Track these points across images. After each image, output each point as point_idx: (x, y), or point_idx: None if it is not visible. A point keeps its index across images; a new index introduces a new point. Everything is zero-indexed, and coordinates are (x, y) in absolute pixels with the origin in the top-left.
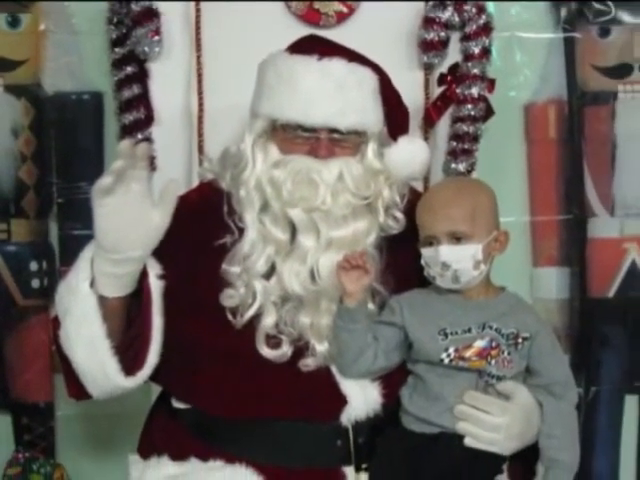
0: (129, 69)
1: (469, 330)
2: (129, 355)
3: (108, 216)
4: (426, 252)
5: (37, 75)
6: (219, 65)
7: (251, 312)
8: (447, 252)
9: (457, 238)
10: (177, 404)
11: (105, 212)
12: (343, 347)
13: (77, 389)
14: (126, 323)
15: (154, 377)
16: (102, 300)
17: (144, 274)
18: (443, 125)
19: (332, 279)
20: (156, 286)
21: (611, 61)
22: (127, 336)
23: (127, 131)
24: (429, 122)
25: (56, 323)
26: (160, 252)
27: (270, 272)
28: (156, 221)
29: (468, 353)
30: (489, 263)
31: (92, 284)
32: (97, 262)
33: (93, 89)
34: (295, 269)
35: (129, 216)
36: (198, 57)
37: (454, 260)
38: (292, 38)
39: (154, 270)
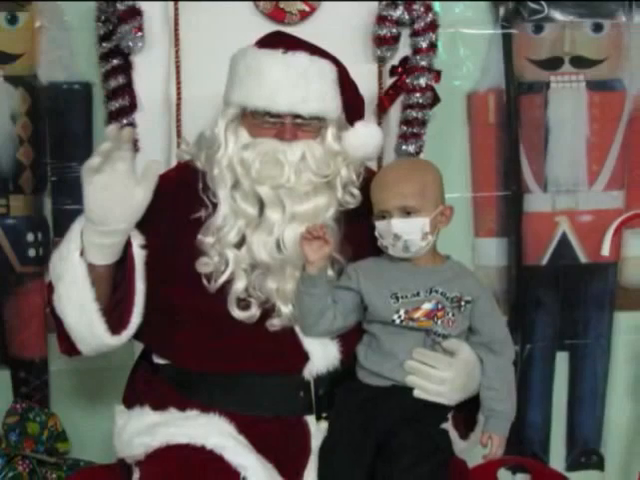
0: (115, 61)
1: (418, 294)
2: (114, 316)
3: (96, 192)
4: (379, 225)
5: (33, 67)
6: (195, 58)
7: (224, 278)
8: (398, 225)
9: (407, 212)
10: (157, 360)
11: (93, 189)
12: (305, 309)
13: (68, 346)
14: (112, 288)
15: (137, 336)
16: (91, 267)
17: (128, 244)
18: (395, 111)
19: (296, 249)
20: (139, 255)
21: (544, 54)
22: (113, 299)
23: (113, 117)
24: (382, 109)
25: (50, 288)
26: (142, 224)
27: (241, 242)
28: (139, 197)
29: (417, 314)
30: (436, 234)
31: (82, 253)
32: (86, 234)
33: (83, 80)
34: (263, 240)
35: (115, 192)
36: (176, 51)
37: (404, 232)
38: (260, 34)
39: (137, 240)
